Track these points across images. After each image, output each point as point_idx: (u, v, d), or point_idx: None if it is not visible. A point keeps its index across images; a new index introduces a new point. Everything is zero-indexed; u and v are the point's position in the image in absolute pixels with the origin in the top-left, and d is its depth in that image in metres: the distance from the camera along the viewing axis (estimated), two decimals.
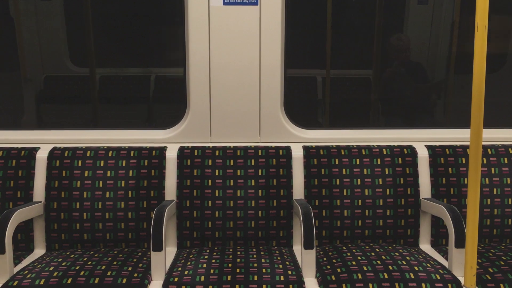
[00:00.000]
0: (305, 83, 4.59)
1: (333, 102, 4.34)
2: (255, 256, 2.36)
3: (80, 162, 2.65)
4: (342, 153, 2.71)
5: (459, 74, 4.27)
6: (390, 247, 2.47)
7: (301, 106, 4.41)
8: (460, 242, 2.24)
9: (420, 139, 2.85)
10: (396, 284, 2.12)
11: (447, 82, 4.39)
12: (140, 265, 2.30)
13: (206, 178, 2.65)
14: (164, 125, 2.93)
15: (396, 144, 2.78)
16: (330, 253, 2.43)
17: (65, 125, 3.21)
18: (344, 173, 2.67)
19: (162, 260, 2.25)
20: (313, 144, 2.76)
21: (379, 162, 2.70)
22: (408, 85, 4.24)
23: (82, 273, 2.17)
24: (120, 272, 2.20)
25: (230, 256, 2.36)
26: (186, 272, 2.20)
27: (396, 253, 2.37)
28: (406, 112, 4.37)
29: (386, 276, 2.15)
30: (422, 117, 4.38)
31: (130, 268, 2.25)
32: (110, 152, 2.68)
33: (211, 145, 2.78)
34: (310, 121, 4.31)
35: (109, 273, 2.18)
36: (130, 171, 2.65)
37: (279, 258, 2.37)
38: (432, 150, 2.74)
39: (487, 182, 2.66)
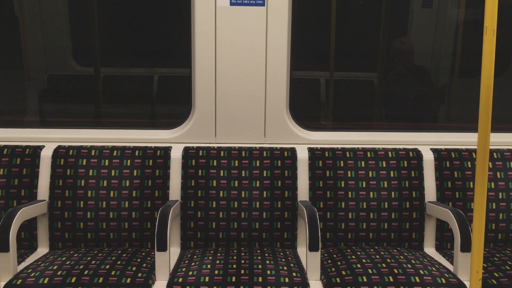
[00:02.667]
0: (308, 85, 4.57)
1: (336, 104, 4.33)
2: (259, 258, 2.35)
3: (84, 161, 2.65)
4: (348, 155, 2.71)
5: (463, 78, 4.25)
6: (394, 250, 2.47)
7: (303, 108, 4.39)
8: (466, 246, 2.23)
9: (426, 142, 2.84)
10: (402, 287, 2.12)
11: (451, 86, 4.38)
12: (144, 265, 2.29)
13: (210, 178, 2.64)
14: (167, 125, 2.93)
15: (401, 147, 2.77)
16: (335, 256, 2.42)
17: (67, 124, 3.22)
18: (349, 175, 2.66)
19: (167, 260, 2.24)
20: (319, 146, 2.76)
21: (384, 165, 2.69)
22: (411, 89, 4.23)
23: (86, 272, 2.17)
24: (124, 271, 2.20)
25: (235, 257, 2.35)
26: (190, 273, 2.19)
27: (401, 256, 2.36)
28: (410, 115, 4.36)
29: (391, 279, 2.14)
30: (425, 120, 4.37)
31: (134, 268, 2.24)
32: (115, 152, 2.68)
33: (216, 145, 2.77)
34: (312, 123, 4.29)
35: (113, 272, 2.18)
36: (135, 171, 2.64)
37: (283, 260, 2.36)
38: (438, 153, 2.73)
39: (493, 186, 2.65)
